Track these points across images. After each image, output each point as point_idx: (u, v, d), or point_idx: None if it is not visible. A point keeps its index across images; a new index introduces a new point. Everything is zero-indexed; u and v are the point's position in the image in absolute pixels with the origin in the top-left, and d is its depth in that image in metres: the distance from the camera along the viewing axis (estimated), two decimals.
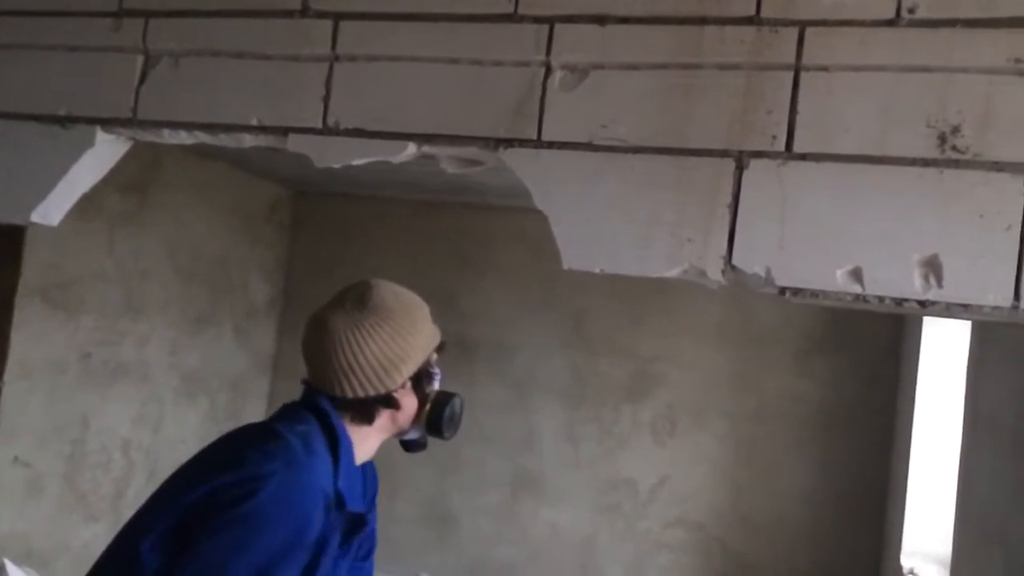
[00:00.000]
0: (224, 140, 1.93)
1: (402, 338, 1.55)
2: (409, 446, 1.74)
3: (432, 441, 1.73)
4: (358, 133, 1.81)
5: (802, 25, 1.60)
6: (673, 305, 4.67)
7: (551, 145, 1.70)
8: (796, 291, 1.55)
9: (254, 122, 1.88)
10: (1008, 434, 1.81)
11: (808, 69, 1.59)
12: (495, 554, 4.80)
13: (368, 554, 1.69)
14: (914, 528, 3.55)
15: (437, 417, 1.64)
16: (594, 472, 4.72)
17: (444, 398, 1.66)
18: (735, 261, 1.58)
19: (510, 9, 1.75)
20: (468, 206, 4.96)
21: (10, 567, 3.14)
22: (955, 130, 1.50)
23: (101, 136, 1.97)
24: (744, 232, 1.58)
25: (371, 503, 1.71)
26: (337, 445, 1.52)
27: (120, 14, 1.98)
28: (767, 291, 1.57)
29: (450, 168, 1.83)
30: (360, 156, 1.82)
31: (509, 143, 1.73)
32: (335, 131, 1.83)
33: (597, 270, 1.66)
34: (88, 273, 3.79)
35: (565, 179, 1.69)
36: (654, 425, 4.67)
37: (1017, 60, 1.49)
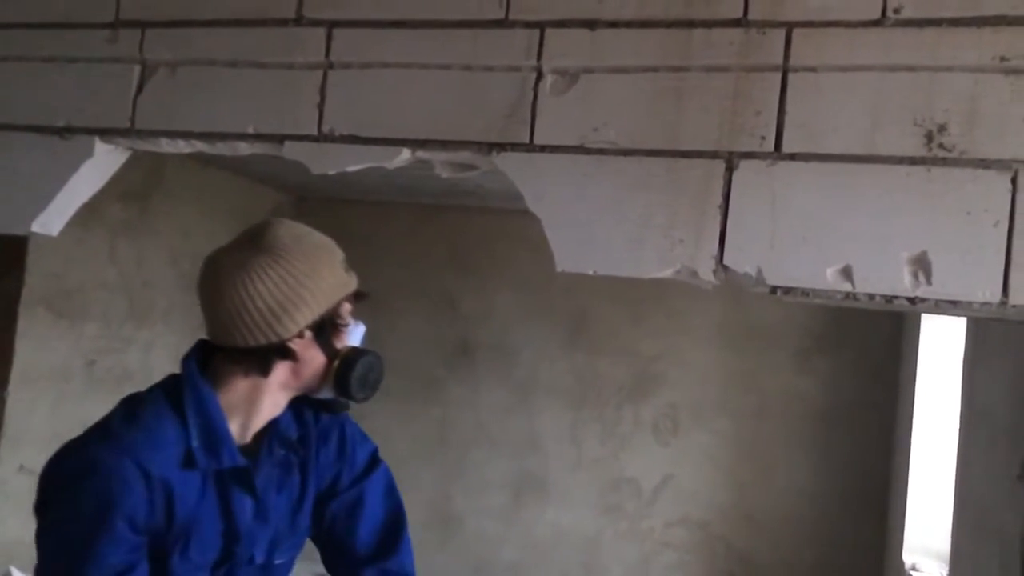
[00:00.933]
0: (221, 149, 1.95)
1: (296, 281, 1.39)
2: (326, 406, 1.60)
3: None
4: (353, 139, 1.84)
5: (789, 26, 1.61)
6: (673, 305, 4.69)
7: (543, 149, 1.72)
8: (787, 290, 1.57)
9: (250, 130, 1.90)
10: (1002, 429, 1.82)
11: (796, 70, 1.60)
12: (499, 555, 4.82)
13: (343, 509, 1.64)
14: (915, 524, 3.56)
15: (344, 375, 1.46)
16: (597, 472, 4.73)
17: (355, 354, 1.49)
18: (726, 261, 1.59)
19: (501, 15, 1.77)
20: (469, 209, 4.98)
21: (16, 575, 3.16)
22: (942, 128, 1.52)
23: (100, 146, 1.99)
24: (735, 232, 1.60)
25: (342, 461, 1.65)
26: (182, 404, 1.40)
27: (117, 25, 2.00)
28: (758, 290, 1.59)
29: (444, 173, 1.85)
30: (355, 162, 1.84)
31: (502, 147, 1.75)
32: (330, 138, 1.85)
33: (591, 272, 1.68)
34: (91, 281, 3.82)
35: (558, 182, 1.71)
36: (656, 425, 4.68)
37: (1002, 58, 1.50)
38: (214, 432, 1.41)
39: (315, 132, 1.86)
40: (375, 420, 4.96)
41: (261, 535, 1.51)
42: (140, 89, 1.98)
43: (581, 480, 4.75)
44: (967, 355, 2.35)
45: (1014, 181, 1.47)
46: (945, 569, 3.11)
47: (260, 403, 1.48)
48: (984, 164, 1.49)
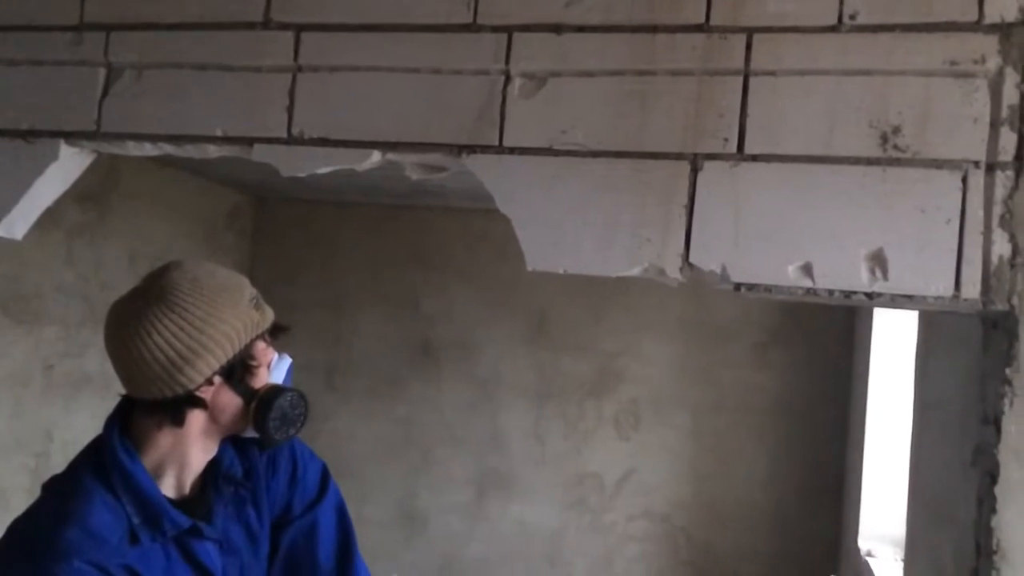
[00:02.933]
0: (189, 151, 1.95)
1: (195, 328, 1.33)
2: (257, 444, 1.52)
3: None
4: (323, 142, 1.85)
5: (749, 32, 1.66)
6: (633, 302, 4.75)
7: (512, 151, 1.76)
8: (751, 286, 1.62)
9: (219, 133, 1.90)
10: (954, 418, 1.89)
11: (756, 74, 1.66)
12: (465, 552, 4.84)
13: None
14: (871, 511, 3.66)
15: (262, 417, 1.41)
16: (560, 468, 4.78)
17: (272, 395, 1.42)
18: (692, 259, 1.64)
19: (469, 19, 1.80)
20: (430, 209, 5.00)
21: None
22: (896, 130, 1.58)
23: (65, 149, 1.98)
24: (700, 231, 1.64)
25: (294, 487, 1.60)
26: (110, 480, 1.35)
27: (81, 28, 1.99)
28: (723, 287, 1.64)
29: (414, 175, 1.88)
30: (325, 164, 1.85)
31: (472, 149, 1.77)
32: (300, 140, 1.86)
33: (561, 271, 1.71)
34: (48, 285, 3.76)
35: (527, 183, 1.74)
36: (618, 420, 4.75)
37: (952, 63, 1.57)
38: (149, 505, 1.36)
39: (285, 135, 1.87)
40: (339, 420, 4.97)
41: (232, 569, 1.49)
42: (106, 92, 1.97)
43: (545, 476, 4.79)
44: (919, 347, 2.43)
45: (964, 180, 1.54)
46: (900, 554, 3.21)
47: (187, 454, 1.43)
48: (936, 164, 1.56)
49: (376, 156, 1.83)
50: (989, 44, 1.55)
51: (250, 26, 1.90)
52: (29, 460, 3.72)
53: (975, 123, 1.55)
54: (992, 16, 1.55)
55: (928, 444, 2.19)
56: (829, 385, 4.49)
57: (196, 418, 1.40)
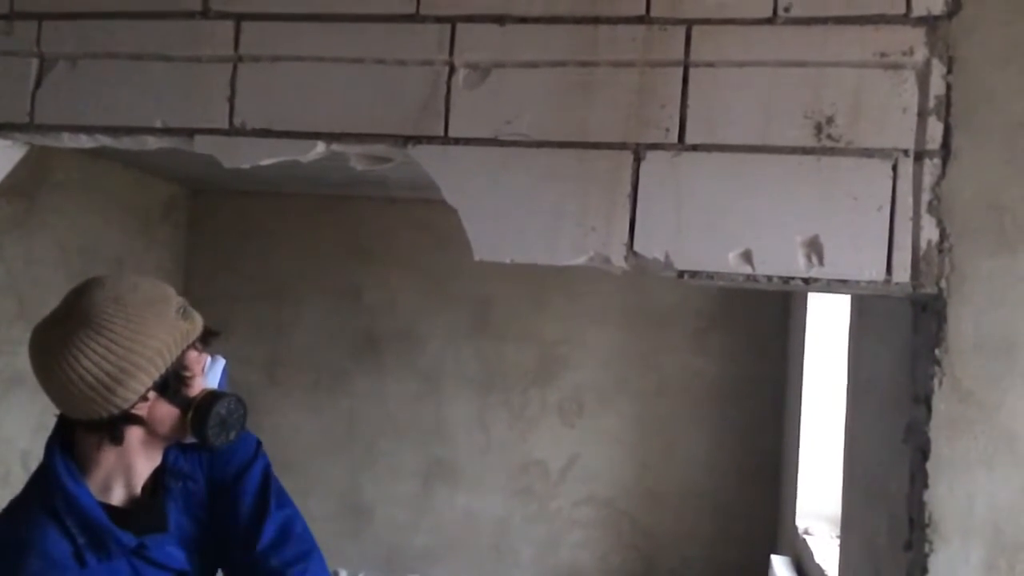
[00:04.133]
0: (127, 143, 1.91)
1: (124, 348, 1.31)
2: (199, 448, 1.51)
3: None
4: (265, 133, 1.83)
5: (688, 24, 1.70)
6: (574, 289, 4.80)
7: (457, 141, 1.76)
8: (693, 274, 1.66)
9: (158, 124, 1.87)
10: (885, 397, 1.97)
11: (696, 65, 1.69)
12: (411, 543, 4.85)
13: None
14: (807, 491, 3.77)
15: (200, 425, 1.40)
16: (506, 456, 4.82)
17: (208, 401, 1.42)
18: (636, 247, 1.67)
19: (412, 9, 1.80)
20: (371, 199, 4.97)
21: None
22: (829, 120, 1.63)
23: None
24: (644, 220, 1.68)
25: (243, 476, 1.57)
26: (53, 501, 1.35)
27: (12, 17, 1.93)
28: (667, 274, 1.67)
29: (359, 165, 1.87)
30: (268, 156, 1.83)
31: (417, 140, 1.78)
32: (242, 131, 1.84)
33: (507, 260, 1.73)
34: None
35: (473, 174, 1.75)
36: (562, 407, 4.80)
37: (882, 54, 1.62)
38: (94, 527, 1.34)
39: (226, 126, 1.84)
40: (283, 414, 4.92)
41: (197, 558, 1.50)
42: (39, 83, 1.92)
43: (490, 464, 4.83)
44: (852, 330, 2.51)
45: (895, 168, 1.60)
46: (836, 531, 3.32)
47: (132, 466, 1.43)
48: (868, 153, 1.61)
49: (320, 147, 1.82)
50: (916, 36, 1.61)
51: (189, 15, 1.87)
52: None
53: (904, 113, 1.60)
54: (919, 9, 1.61)
55: (862, 424, 2.27)
56: (766, 369, 4.61)
57: (135, 433, 1.39)
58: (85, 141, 1.93)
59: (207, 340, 1.45)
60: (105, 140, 1.91)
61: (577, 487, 4.75)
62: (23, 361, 3.84)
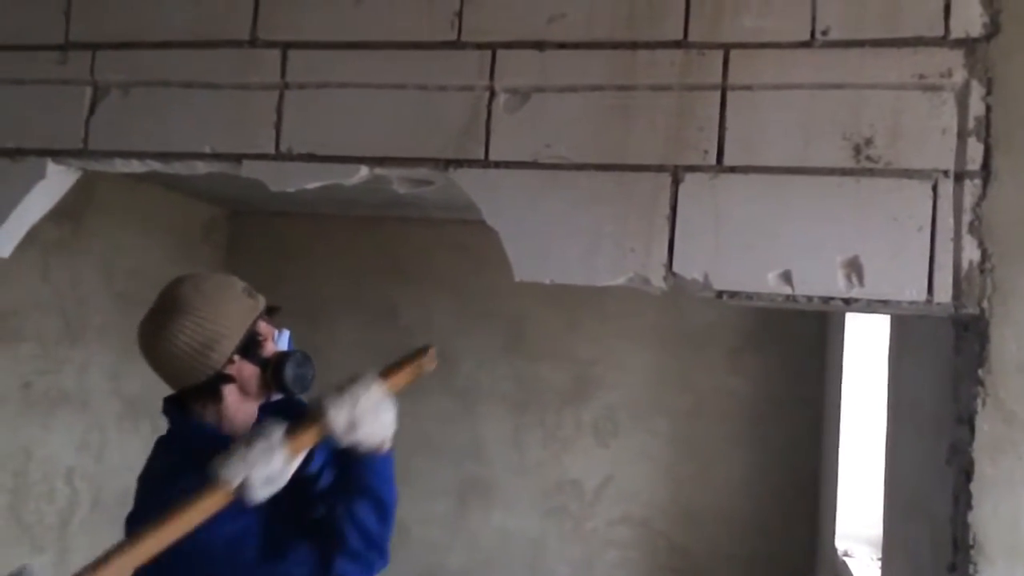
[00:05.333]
0: (177, 168, 1.97)
1: (208, 323, 1.66)
2: (288, 397, 1.81)
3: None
4: (311, 158, 1.88)
5: (726, 48, 1.72)
6: (609, 309, 4.80)
7: (498, 165, 1.80)
8: (732, 294, 1.67)
9: (207, 150, 1.93)
10: (928, 417, 1.96)
11: (734, 88, 1.71)
12: (446, 562, 4.86)
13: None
14: (847, 512, 3.73)
15: (279, 378, 1.74)
16: (540, 475, 4.82)
17: (281, 358, 1.76)
18: (675, 268, 1.69)
19: (453, 36, 1.84)
20: (407, 220, 5.02)
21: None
22: (868, 141, 1.64)
23: (52, 168, 1.99)
24: (682, 241, 1.69)
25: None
26: (189, 443, 1.70)
27: (67, 47, 2.00)
28: (706, 295, 1.69)
29: (402, 189, 1.91)
30: (314, 180, 1.88)
31: (458, 163, 1.81)
32: (288, 156, 1.89)
33: (547, 281, 1.76)
34: (25, 302, 3.75)
35: (513, 196, 1.78)
36: (596, 426, 4.79)
37: (920, 76, 1.63)
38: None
39: (273, 151, 1.89)
40: None
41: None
42: (92, 110, 1.99)
43: (525, 484, 4.83)
44: (892, 350, 2.50)
45: (934, 189, 1.60)
46: (877, 554, 3.28)
47: (232, 421, 1.74)
48: (907, 174, 1.62)
49: (364, 171, 1.86)
50: (955, 58, 1.62)
51: (237, 44, 1.92)
52: (7, 479, 3.69)
53: (943, 134, 1.61)
54: (957, 31, 1.62)
55: (903, 444, 2.26)
56: (803, 388, 4.57)
57: (231, 392, 1.72)
58: (137, 166, 1.99)
59: (272, 312, 1.79)
60: (156, 165, 1.97)
61: (612, 507, 4.73)
62: (69, 380, 3.95)
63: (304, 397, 1.81)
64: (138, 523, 1.60)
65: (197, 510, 1.50)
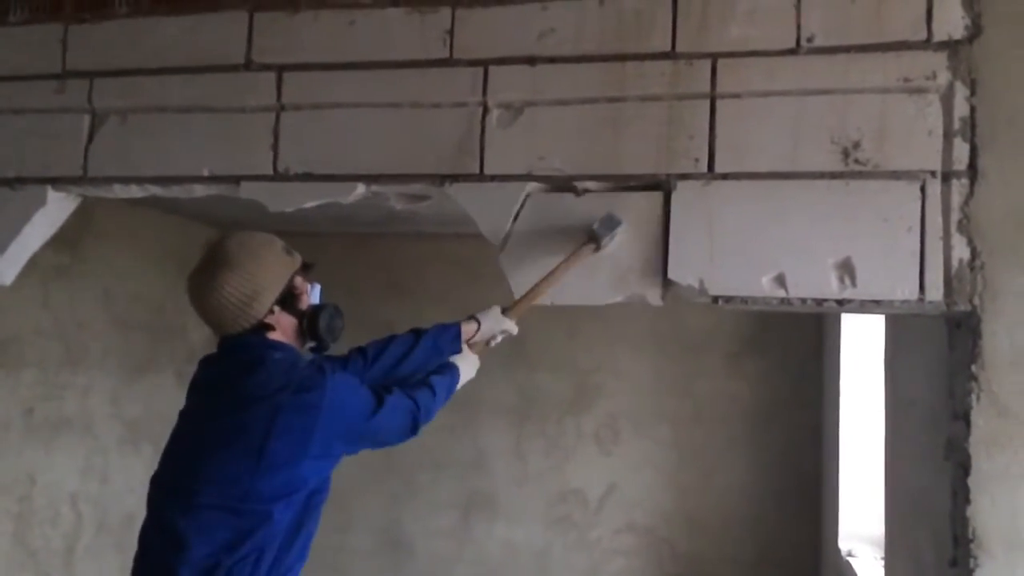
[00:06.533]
0: (176, 192, 2.00)
1: (250, 274, 1.79)
2: (315, 351, 1.99)
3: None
4: (308, 177, 1.91)
5: (714, 57, 1.75)
6: (607, 317, 4.82)
7: (493, 178, 1.82)
8: (728, 299, 1.70)
9: (205, 172, 1.95)
10: (926, 414, 1.98)
11: (722, 97, 1.74)
12: (452, 575, 4.86)
13: None
14: (849, 512, 3.74)
15: (313, 326, 1.89)
16: (544, 486, 4.82)
17: (316, 309, 1.92)
18: (671, 275, 1.71)
19: (446, 54, 1.87)
20: (401, 236, 5.04)
21: None
22: (856, 145, 1.67)
23: (52, 195, 2.02)
24: (676, 248, 1.72)
25: None
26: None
27: (64, 75, 2.03)
28: (701, 301, 1.71)
29: (399, 205, 1.94)
30: (312, 199, 1.91)
31: (454, 178, 1.84)
32: (286, 177, 1.91)
33: (548, 303, 1.79)
34: (25, 328, 3.75)
35: (509, 210, 1.80)
36: (598, 435, 4.80)
37: (905, 79, 1.66)
38: None
39: (271, 172, 1.92)
40: None
41: None
42: (91, 137, 2.01)
43: (528, 494, 4.83)
44: (888, 349, 2.52)
45: (923, 189, 1.63)
46: (880, 553, 3.29)
47: None
48: (895, 175, 1.65)
49: (361, 189, 1.89)
50: (939, 61, 1.65)
51: (233, 68, 1.95)
52: (12, 505, 3.69)
53: (930, 135, 1.64)
54: (940, 34, 1.65)
55: (902, 442, 2.28)
56: (802, 391, 4.59)
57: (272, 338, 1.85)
58: (136, 191, 2.02)
59: (307, 269, 1.92)
60: (155, 190, 2.00)
61: (616, 515, 4.74)
62: (71, 405, 3.95)
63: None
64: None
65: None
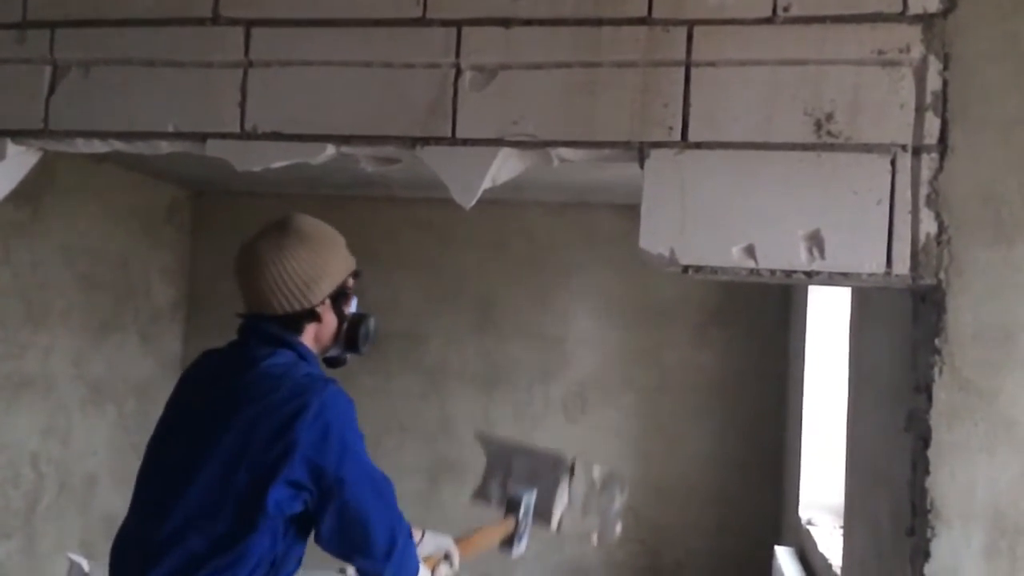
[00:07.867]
0: (140, 148, 1.95)
1: (320, 257, 1.76)
2: (331, 363, 1.94)
3: None
4: (276, 136, 1.87)
5: (690, 24, 1.73)
6: (576, 285, 4.83)
7: (465, 142, 1.80)
8: (698, 268, 1.70)
9: (170, 129, 1.91)
10: (887, 386, 2.00)
11: (698, 65, 1.73)
12: None
13: None
14: (810, 482, 3.81)
15: (354, 332, 1.87)
16: None
17: (360, 317, 1.90)
18: (642, 244, 1.71)
19: (419, 13, 1.83)
20: (374, 199, 5.00)
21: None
22: (829, 117, 1.67)
23: (12, 148, 1.96)
24: (649, 217, 1.71)
25: None
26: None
27: (24, 25, 1.97)
28: (672, 270, 1.71)
29: (369, 167, 1.91)
30: (280, 159, 1.87)
31: (425, 141, 1.81)
32: (253, 135, 1.88)
33: None
34: None
35: (481, 174, 1.79)
36: (565, 403, 4.83)
37: (880, 52, 1.66)
38: None
39: (238, 130, 1.88)
40: None
41: None
42: (52, 90, 1.96)
43: None
44: (853, 322, 2.55)
45: (893, 163, 1.64)
46: (839, 522, 3.36)
47: None
48: (867, 148, 1.65)
49: (330, 149, 1.86)
50: (913, 34, 1.65)
51: (199, 21, 1.90)
52: None
53: (902, 109, 1.64)
54: (915, 7, 1.65)
55: (863, 413, 2.31)
56: (768, 362, 4.64)
57: (307, 330, 1.80)
58: (99, 146, 1.97)
59: (357, 275, 1.90)
60: (118, 145, 1.95)
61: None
62: (31, 364, 3.90)
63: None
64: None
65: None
